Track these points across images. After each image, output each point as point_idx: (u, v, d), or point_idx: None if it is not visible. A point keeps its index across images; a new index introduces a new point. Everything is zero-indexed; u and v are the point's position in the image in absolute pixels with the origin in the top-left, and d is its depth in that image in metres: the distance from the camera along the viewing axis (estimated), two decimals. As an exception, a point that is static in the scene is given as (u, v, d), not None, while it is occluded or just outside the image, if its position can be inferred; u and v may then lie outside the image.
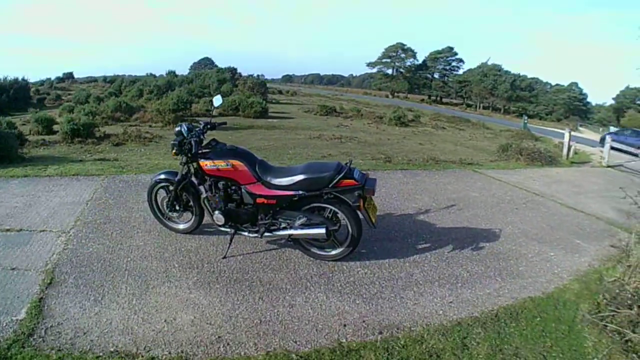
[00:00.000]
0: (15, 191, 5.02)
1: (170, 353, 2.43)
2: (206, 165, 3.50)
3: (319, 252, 3.67)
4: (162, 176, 3.90)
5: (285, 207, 3.47)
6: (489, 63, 63.35)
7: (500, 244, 4.44)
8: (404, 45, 67.12)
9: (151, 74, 40.99)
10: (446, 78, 68.37)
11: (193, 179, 3.74)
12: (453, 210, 5.44)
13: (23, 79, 26.05)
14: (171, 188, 3.84)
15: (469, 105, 64.16)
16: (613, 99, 60.32)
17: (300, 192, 3.37)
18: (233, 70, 35.95)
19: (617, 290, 3.19)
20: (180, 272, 3.34)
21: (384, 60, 68.84)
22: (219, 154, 3.50)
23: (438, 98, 68.28)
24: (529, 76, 63.98)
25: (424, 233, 4.54)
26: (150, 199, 3.95)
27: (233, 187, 3.54)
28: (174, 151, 3.60)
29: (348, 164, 3.38)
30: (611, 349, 2.66)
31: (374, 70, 71.57)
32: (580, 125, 50.37)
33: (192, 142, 3.48)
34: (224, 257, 3.60)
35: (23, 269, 3.24)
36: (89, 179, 5.64)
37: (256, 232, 3.57)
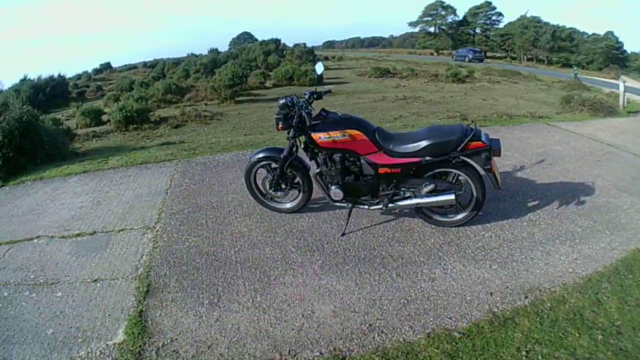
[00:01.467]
0: (77, 189, 4.82)
1: (321, 353, 2.29)
2: (320, 137, 3.42)
3: (442, 219, 3.72)
4: (263, 154, 3.84)
5: (409, 175, 3.50)
6: (528, 15, 62.90)
7: (598, 197, 4.55)
8: (443, 2, 67.68)
9: (192, 54, 40.47)
10: (488, 32, 69.02)
11: (299, 154, 3.72)
12: (544, 166, 5.54)
13: (60, 75, 25.13)
14: (274, 166, 3.82)
15: (513, 58, 63.78)
16: None
17: (428, 157, 3.37)
18: (277, 42, 35.66)
19: None
20: (300, 256, 3.28)
21: (425, 18, 69.64)
22: (332, 125, 3.42)
23: (483, 52, 66.95)
24: (567, 26, 62.64)
25: (528, 190, 4.62)
26: (249, 180, 3.90)
27: (351, 159, 3.50)
28: (280, 125, 3.54)
29: (474, 126, 3.41)
30: None
31: (416, 29, 72.56)
32: (623, 74, 48.24)
33: (304, 114, 3.39)
34: (343, 234, 3.61)
35: (108, 278, 3.02)
36: (160, 166, 5.46)
37: (377, 204, 3.60)
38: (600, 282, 3.05)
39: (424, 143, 3.34)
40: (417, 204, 3.51)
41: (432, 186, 3.48)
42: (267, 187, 3.90)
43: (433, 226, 3.73)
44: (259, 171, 3.92)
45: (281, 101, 3.53)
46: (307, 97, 3.61)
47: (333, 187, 3.52)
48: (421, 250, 3.39)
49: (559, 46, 60.00)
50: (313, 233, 3.65)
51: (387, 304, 2.77)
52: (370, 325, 2.56)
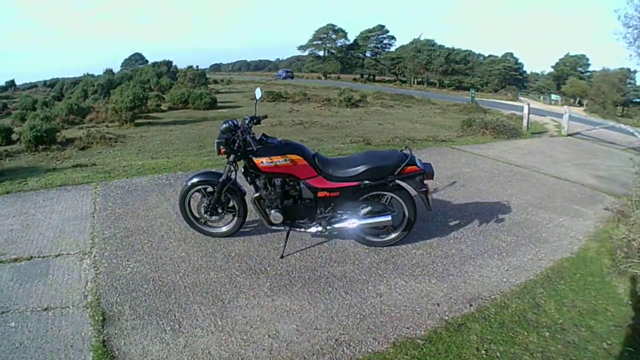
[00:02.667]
0: (2, 211, 4.76)
1: (299, 370, 2.42)
2: (262, 162, 3.58)
3: (375, 239, 4.05)
4: (199, 178, 3.95)
5: (346, 198, 3.77)
6: (422, 38, 69.73)
7: (516, 214, 5.23)
8: (335, 26, 72.34)
9: (89, 74, 41.91)
10: (378, 56, 74.55)
11: (235, 178, 3.90)
12: (457, 187, 6.18)
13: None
14: (209, 190, 3.97)
15: (403, 82, 70.45)
16: (552, 67, 69.30)
17: (366, 181, 3.69)
18: (169, 63, 37.72)
19: (626, 246, 4.13)
20: (246, 279, 3.42)
21: (314, 42, 73.94)
22: (274, 149, 3.61)
23: (371, 77, 74.35)
24: (462, 49, 71.00)
25: (447, 211, 5.14)
26: (183, 204, 3.97)
27: (291, 183, 3.70)
28: (222, 149, 3.67)
29: (407, 151, 3.81)
30: (637, 288, 3.53)
31: (306, 53, 76.89)
32: (521, 95, 55.71)
33: (249, 140, 3.53)
34: (282, 257, 3.78)
35: (59, 307, 2.97)
36: (80, 189, 5.54)
37: (315, 226, 3.83)
38: (535, 288, 3.53)
39: (362, 167, 3.66)
40: (356, 225, 3.79)
41: (369, 208, 3.81)
42: (202, 211, 3.98)
43: (366, 246, 4.07)
44: (193, 195, 4.02)
45: (224, 125, 3.66)
46: (247, 121, 3.79)
47: (273, 211, 3.69)
48: (361, 269, 3.65)
49: (452, 69, 67.65)
50: (252, 256, 3.79)
51: (345, 319, 2.95)
52: (336, 340, 2.73)
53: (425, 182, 3.86)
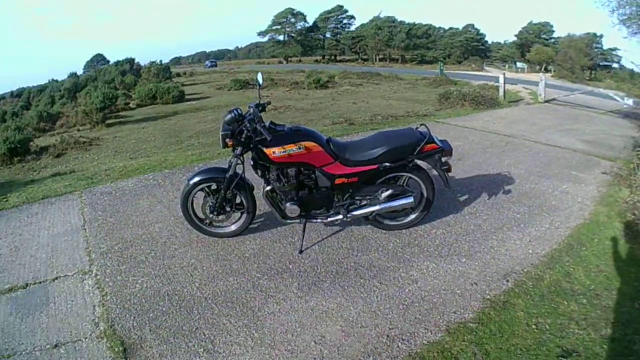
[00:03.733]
0: None
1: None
2: (274, 152, 3.43)
3: (393, 223, 4.01)
4: (203, 176, 3.76)
5: (364, 183, 3.71)
6: (382, 16, 72.03)
7: (520, 184, 5.37)
8: (293, 9, 74.40)
9: (54, 80, 42.99)
10: (338, 36, 77.30)
11: (243, 171, 3.75)
12: (455, 161, 6.15)
13: None
14: (213, 188, 3.78)
15: (364, 60, 72.86)
16: (515, 35, 72.10)
17: (386, 163, 3.61)
18: (131, 61, 38.71)
19: (633, 209, 4.41)
20: (271, 281, 3.29)
21: (274, 27, 76.00)
22: (286, 138, 3.46)
23: (332, 57, 76.98)
24: (423, 23, 73.72)
25: (453, 186, 5.11)
26: (185, 205, 3.78)
27: (306, 172, 3.59)
28: (229, 142, 3.50)
29: (424, 129, 3.79)
30: None
31: (266, 38, 79.11)
32: (486, 65, 57.37)
33: (259, 129, 3.34)
34: (301, 252, 3.68)
35: (70, 341, 2.74)
36: (64, 200, 5.27)
37: (333, 215, 3.74)
38: (561, 257, 3.62)
39: (381, 149, 3.59)
40: (377, 210, 3.74)
41: (390, 191, 3.74)
42: (208, 211, 3.81)
43: (384, 231, 4.04)
44: (196, 195, 3.84)
45: (229, 115, 3.48)
46: (252, 110, 3.54)
47: (288, 204, 3.55)
48: (387, 256, 3.61)
49: (414, 44, 70.17)
50: (269, 255, 3.67)
51: (388, 312, 2.89)
52: (387, 336, 2.66)
53: (444, 159, 3.82)
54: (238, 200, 3.86)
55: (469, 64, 60.64)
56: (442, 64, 33.17)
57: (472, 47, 71.56)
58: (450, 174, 3.97)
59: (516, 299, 3.03)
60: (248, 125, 3.41)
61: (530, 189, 5.23)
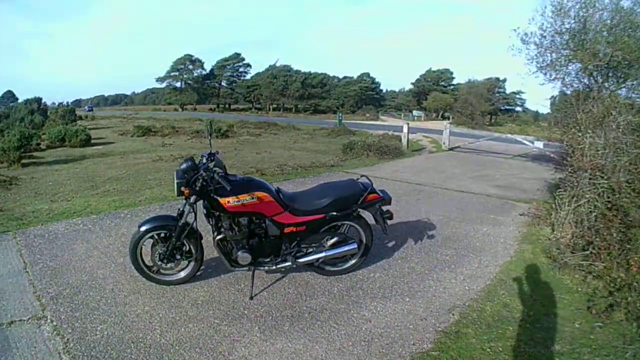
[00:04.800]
0: None
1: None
2: (228, 202, 3.81)
3: (333, 269, 4.52)
4: (153, 224, 4.09)
5: (312, 232, 4.19)
6: (278, 64, 79.01)
7: (442, 230, 6.24)
8: (192, 56, 79.84)
9: None
10: (234, 84, 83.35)
11: (195, 220, 4.09)
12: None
13: None
14: (162, 235, 4.09)
15: (258, 109, 78.67)
16: (412, 83, 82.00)
17: (333, 212, 4.17)
18: (39, 100, 40.22)
19: (555, 244, 5.32)
20: (231, 326, 3.60)
21: (172, 74, 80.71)
22: (239, 188, 3.86)
23: (227, 106, 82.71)
24: (319, 72, 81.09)
25: (378, 234, 5.44)
26: (135, 252, 4.06)
27: (257, 221, 4.01)
28: (185, 190, 3.84)
29: (364, 180, 4.44)
30: (580, 275, 4.62)
31: (163, 85, 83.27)
32: (382, 114, 62.07)
33: (218, 178, 3.71)
34: (251, 298, 4.03)
35: None
36: None
37: (281, 263, 4.15)
38: (497, 291, 4.35)
39: (327, 200, 4.17)
40: (322, 257, 4.26)
41: (335, 239, 4.32)
42: (157, 259, 4.11)
43: (324, 276, 4.52)
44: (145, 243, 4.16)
45: (185, 164, 3.86)
46: (205, 159, 4.01)
47: (240, 253, 3.94)
48: (335, 299, 4.08)
49: (309, 93, 77.04)
50: (221, 302, 4.01)
51: (353, 349, 3.30)
52: None
53: (385, 208, 4.55)
54: (186, 248, 4.19)
55: (363, 113, 66.43)
56: (341, 115, 35.79)
57: (367, 95, 79.88)
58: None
59: (466, 328, 3.62)
60: (204, 174, 3.78)
61: (453, 233, 6.11)
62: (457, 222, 6.63)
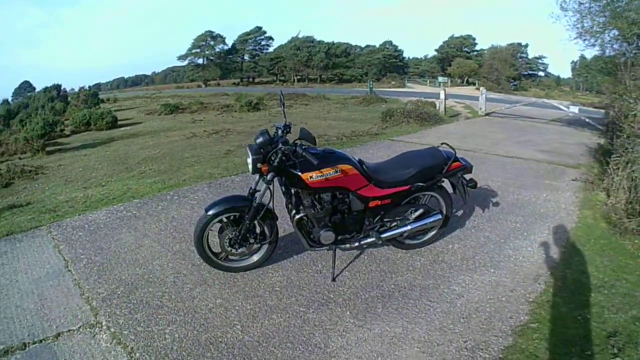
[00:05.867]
0: None
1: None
2: (311, 177, 3.49)
3: (412, 242, 4.37)
4: (224, 206, 3.74)
5: (396, 204, 4.00)
6: (300, 36, 77.09)
7: (505, 196, 6.11)
8: (213, 32, 78.22)
9: None
10: (257, 58, 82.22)
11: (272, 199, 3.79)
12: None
13: None
14: (231, 218, 3.80)
15: (283, 81, 77.75)
16: (436, 50, 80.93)
17: (418, 183, 3.96)
18: (58, 87, 40.04)
19: (613, 210, 5.23)
20: (320, 314, 3.37)
21: (194, 50, 79.22)
22: (322, 161, 3.47)
23: (251, 79, 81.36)
24: (342, 42, 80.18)
25: None
26: (201, 238, 3.73)
27: (340, 196, 3.74)
28: (263, 167, 3.53)
29: (449, 147, 4.24)
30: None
31: (185, 62, 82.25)
32: (408, 81, 61.57)
33: (302, 152, 3.38)
34: (334, 280, 3.83)
35: None
36: (32, 236, 5.03)
37: (364, 239, 3.96)
38: (572, 257, 4.28)
39: (413, 170, 3.93)
40: (408, 230, 4.07)
41: (420, 211, 4.15)
42: (227, 244, 3.81)
43: (404, 251, 4.38)
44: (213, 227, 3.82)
45: (260, 138, 3.53)
46: (281, 132, 3.66)
47: (322, 231, 3.66)
48: (421, 275, 3.94)
49: (333, 63, 75.62)
50: (301, 286, 3.76)
51: (454, 327, 3.18)
52: (466, 349, 2.95)
53: (467, 176, 4.37)
54: (259, 230, 3.90)
55: (389, 81, 65.58)
56: (371, 83, 35.08)
57: (390, 63, 78.65)
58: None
59: (554, 297, 3.55)
60: (283, 148, 3.45)
61: (516, 200, 5.98)
62: (516, 187, 6.46)
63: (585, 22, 8.76)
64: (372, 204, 3.83)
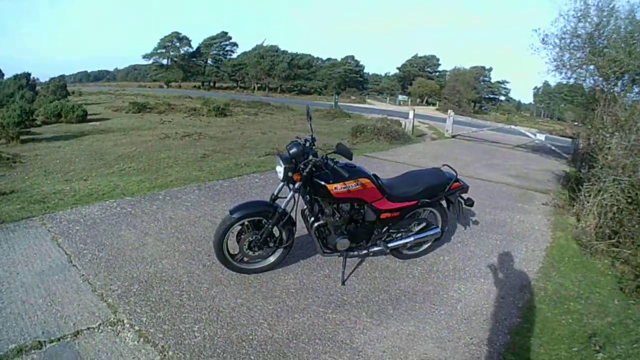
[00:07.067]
0: None
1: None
2: (336, 188, 3.88)
3: (410, 252, 4.88)
4: (247, 210, 4.03)
5: (403, 218, 4.49)
6: (265, 44, 79.88)
7: (483, 216, 6.76)
8: (180, 34, 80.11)
9: None
10: (219, 63, 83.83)
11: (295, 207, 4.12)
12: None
13: None
14: (245, 222, 4.06)
15: (243, 88, 79.54)
16: (398, 68, 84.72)
17: (424, 199, 4.49)
18: (27, 76, 38.70)
19: (583, 232, 5.93)
20: (339, 314, 3.69)
21: (159, 50, 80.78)
22: (345, 174, 3.94)
23: (212, 83, 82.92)
24: (305, 53, 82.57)
25: None
26: (222, 239, 3.96)
27: (356, 207, 4.18)
28: (296, 177, 3.86)
29: (453, 170, 4.78)
30: (608, 260, 5.21)
31: (150, 61, 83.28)
32: (368, 97, 62.99)
33: (332, 164, 3.83)
34: (343, 284, 4.21)
35: None
36: (25, 227, 5.03)
37: (372, 247, 4.40)
38: (550, 273, 4.87)
39: (421, 187, 4.47)
40: (411, 241, 4.60)
41: (422, 224, 4.69)
42: (246, 246, 4.09)
43: (401, 260, 4.85)
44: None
45: (294, 149, 3.89)
46: (309, 143, 4.08)
47: (339, 239, 4.05)
48: (421, 282, 4.42)
49: (295, 74, 78.26)
50: (315, 289, 4.10)
51: (459, 326, 3.68)
52: (474, 344, 3.45)
53: (464, 195, 4.95)
54: (276, 235, 4.22)
55: (348, 95, 67.14)
56: (337, 97, 35.83)
57: (351, 78, 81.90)
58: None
59: (539, 304, 4.14)
60: (314, 160, 3.84)
61: (493, 220, 6.65)
62: (492, 208, 7.14)
63: (564, 56, 9.57)
64: (383, 215, 4.31)
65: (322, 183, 3.90)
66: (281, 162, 3.89)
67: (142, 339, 3.12)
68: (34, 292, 3.66)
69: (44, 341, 3.01)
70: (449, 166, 4.91)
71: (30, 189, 6.74)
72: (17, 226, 5.01)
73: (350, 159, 3.93)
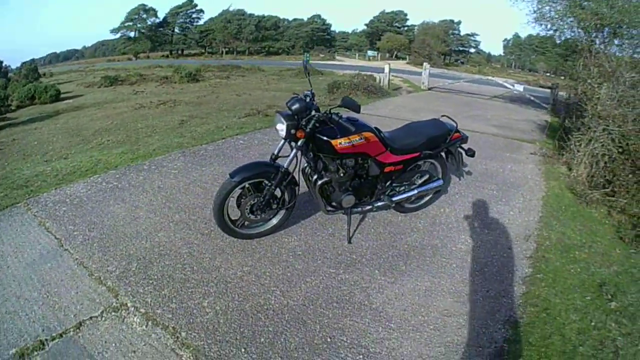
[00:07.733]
0: None
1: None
2: (340, 143, 3.70)
3: (412, 206, 4.81)
4: (249, 172, 3.80)
5: (405, 170, 4.37)
6: (231, 9, 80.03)
7: (475, 166, 6.69)
8: (146, 5, 79.49)
9: None
10: (187, 31, 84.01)
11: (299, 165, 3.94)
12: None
13: None
14: (246, 185, 3.84)
15: (211, 53, 79.56)
16: (366, 24, 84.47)
17: (427, 151, 4.36)
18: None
19: (575, 182, 6.01)
20: (351, 274, 3.62)
21: (127, 24, 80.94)
22: (349, 128, 3.69)
23: (180, 51, 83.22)
24: (272, 15, 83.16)
25: None
26: (222, 205, 3.75)
27: (360, 162, 4.02)
28: (300, 134, 3.65)
29: (453, 120, 4.67)
30: (604, 209, 5.33)
31: (118, 35, 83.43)
32: (337, 54, 62.77)
33: (337, 118, 3.65)
34: (350, 242, 4.13)
35: None
36: (9, 214, 4.69)
37: (376, 202, 4.28)
38: (551, 222, 4.88)
39: (423, 138, 4.35)
40: (415, 194, 4.50)
41: (426, 176, 4.60)
42: (248, 210, 3.89)
43: (406, 214, 4.81)
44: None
45: (296, 105, 3.65)
46: (309, 98, 3.86)
47: (344, 195, 3.94)
48: (428, 236, 4.38)
49: (262, 36, 78.80)
50: (322, 249, 4.00)
51: (473, 279, 3.66)
52: (491, 297, 3.44)
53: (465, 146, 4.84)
54: (279, 196, 4.02)
55: (317, 54, 66.44)
56: (308, 55, 35.32)
57: (318, 37, 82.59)
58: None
59: (547, 253, 4.16)
60: (317, 115, 3.65)
61: (485, 170, 6.63)
62: (482, 159, 7.08)
63: (543, 8, 9.48)
64: (387, 169, 4.18)
65: (326, 139, 3.71)
66: (282, 120, 3.66)
67: (150, 323, 2.94)
68: (28, 285, 3.39)
69: (46, 339, 2.80)
70: (447, 116, 4.77)
71: (10, 174, 6.35)
72: (2, 215, 4.68)
73: (358, 112, 3.66)
